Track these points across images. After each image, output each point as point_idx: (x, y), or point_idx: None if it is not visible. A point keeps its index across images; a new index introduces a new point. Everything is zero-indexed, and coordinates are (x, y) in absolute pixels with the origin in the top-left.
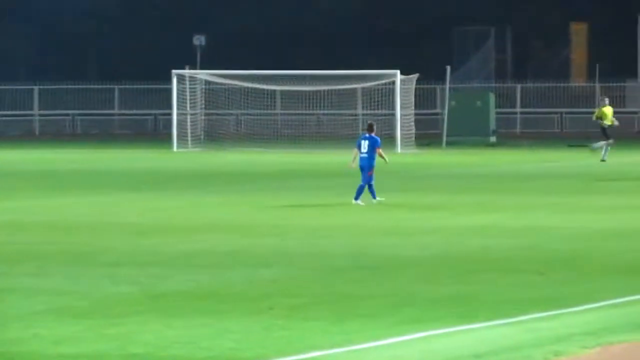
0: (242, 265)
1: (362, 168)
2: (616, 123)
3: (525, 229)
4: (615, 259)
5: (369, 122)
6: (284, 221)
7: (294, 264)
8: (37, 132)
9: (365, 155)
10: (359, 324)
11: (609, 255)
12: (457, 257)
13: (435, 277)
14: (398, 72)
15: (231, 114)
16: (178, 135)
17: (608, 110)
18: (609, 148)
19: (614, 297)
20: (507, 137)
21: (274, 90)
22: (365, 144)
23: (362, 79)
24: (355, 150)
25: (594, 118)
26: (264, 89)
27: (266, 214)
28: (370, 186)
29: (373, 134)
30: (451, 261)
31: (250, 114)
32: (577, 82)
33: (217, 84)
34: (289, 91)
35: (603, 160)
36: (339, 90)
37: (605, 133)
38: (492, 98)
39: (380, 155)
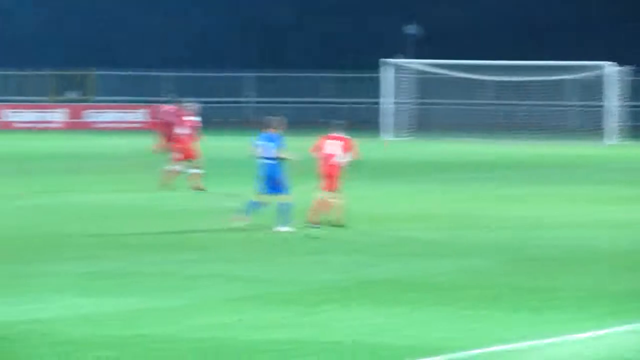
0: (443, 255)
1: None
2: None
3: None
4: None
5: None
6: (491, 212)
7: (493, 255)
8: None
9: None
10: (552, 316)
11: None
12: None
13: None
14: (609, 63)
15: (441, 104)
16: (386, 125)
17: None
18: None
19: None
20: None
21: (484, 81)
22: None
23: (572, 69)
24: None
25: None
26: (474, 79)
27: (473, 204)
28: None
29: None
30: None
31: (459, 104)
32: None
33: (427, 73)
34: (499, 81)
35: None
36: (548, 81)
37: None
38: None
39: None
